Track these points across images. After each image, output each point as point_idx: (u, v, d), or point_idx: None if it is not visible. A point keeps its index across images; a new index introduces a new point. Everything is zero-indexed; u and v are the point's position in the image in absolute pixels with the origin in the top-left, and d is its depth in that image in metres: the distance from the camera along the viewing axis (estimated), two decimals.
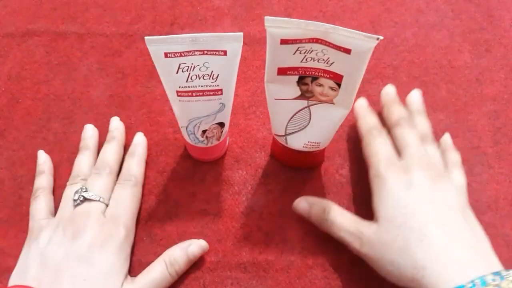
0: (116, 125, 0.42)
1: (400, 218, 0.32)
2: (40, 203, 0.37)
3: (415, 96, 0.42)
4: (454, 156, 0.39)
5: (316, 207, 0.37)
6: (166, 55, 0.30)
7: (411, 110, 0.41)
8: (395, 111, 0.39)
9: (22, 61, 0.47)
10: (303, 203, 0.37)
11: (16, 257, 0.35)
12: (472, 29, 0.49)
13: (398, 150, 0.37)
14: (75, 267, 0.32)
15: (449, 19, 0.50)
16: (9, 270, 0.34)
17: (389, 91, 0.42)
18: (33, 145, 0.42)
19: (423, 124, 0.39)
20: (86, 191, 0.36)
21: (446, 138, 0.41)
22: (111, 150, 0.40)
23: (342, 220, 0.35)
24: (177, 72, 0.31)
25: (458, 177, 0.37)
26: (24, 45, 0.48)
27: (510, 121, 0.44)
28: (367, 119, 0.40)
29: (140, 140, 0.41)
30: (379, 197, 0.34)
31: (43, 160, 0.41)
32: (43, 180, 0.39)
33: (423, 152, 0.36)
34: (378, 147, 0.37)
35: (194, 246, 0.36)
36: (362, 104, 0.42)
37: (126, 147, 0.42)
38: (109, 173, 0.38)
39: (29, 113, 0.44)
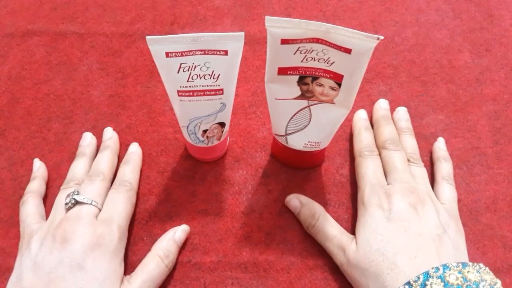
0: (109, 135, 0.42)
1: (376, 244, 0.33)
2: (30, 207, 0.37)
3: (401, 113, 0.43)
4: (445, 168, 0.40)
5: (306, 209, 0.37)
6: (167, 54, 0.30)
7: (397, 128, 0.41)
8: (383, 132, 0.40)
9: (22, 61, 0.47)
10: (294, 201, 0.38)
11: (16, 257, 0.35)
12: (473, 29, 0.49)
13: (386, 172, 0.38)
14: (69, 274, 0.31)
15: (449, 19, 0.50)
16: (9, 270, 0.34)
17: (379, 107, 0.43)
18: (33, 145, 0.42)
19: (410, 143, 0.40)
20: (78, 194, 0.35)
21: (440, 144, 0.42)
22: (105, 158, 0.39)
23: (328, 230, 0.36)
24: (178, 72, 0.31)
25: (447, 191, 0.38)
26: (24, 45, 0.48)
27: (510, 122, 0.44)
28: (361, 137, 0.40)
29: (135, 149, 0.41)
30: (362, 222, 0.35)
31: (37, 167, 0.41)
32: (33, 184, 0.39)
33: (407, 177, 0.36)
34: (365, 171, 0.38)
35: (180, 232, 0.37)
36: (360, 117, 0.42)
37: (120, 154, 0.42)
38: (102, 179, 0.37)
39: (29, 113, 0.44)
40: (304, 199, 0.38)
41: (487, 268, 0.30)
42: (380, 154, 0.39)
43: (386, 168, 0.38)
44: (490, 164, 0.42)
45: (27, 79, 0.46)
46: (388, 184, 0.36)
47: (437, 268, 0.30)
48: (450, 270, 0.30)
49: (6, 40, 0.48)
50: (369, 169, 0.38)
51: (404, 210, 0.34)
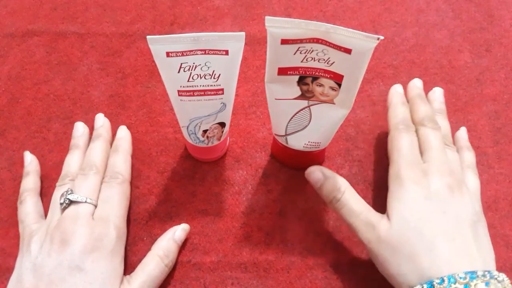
0: (101, 122, 0.41)
1: (414, 222, 0.31)
2: (28, 207, 0.37)
3: (438, 94, 0.41)
4: (469, 157, 0.38)
5: (330, 183, 0.35)
6: (167, 54, 0.30)
7: (432, 109, 0.40)
8: (420, 109, 0.38)
9: (22, 61, 0.47)
10: (317, 174, 0.36)
11: (17, 257, 0.35)
12: (473, 29, 0.49)
13: (421, 150, 0.36)
14: (69, 276, 0.31)
15: (449, 19, 0.50)
16: (9, 270, 0.34)
17: (414, 85, 0.41)
18: (33, 145, 0.42)
19: (444, 125, 0.38)
20: (71, 193, 0.35)
21: (462, 133, 0.41)
22: (97, 149, 0.38)
23: (355, 205, 0.34)
24: (178, 72, 0.31)
25: (472, 180, 0.37)
26: (24, 45, 0.48)
27: (510, 121, 0.44)
28: (398, 111, 0.38)
29: (123, 134, 0.40)
30: (397, 197, 0.33)
31: (29, 161, 0.40)
32: (29, 182, 0.38)
33: (444, 157, 0.35)
34: (402, 144, 0.35)
35: (180, 232, 0.37)
36: (397, 91, 0.40)
37: None
38: (95, 173, 0.36)
39: (29, 113, 0.44)
40: (328, 172, 0.36)
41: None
42: (417, 132, 0.37)
43: (422, 145, 0.36)
44: (491, 163, 0.42)
45: (27, 79, 0.46)
46: (424, 163, 0.34)
47: (464, 277, 0.29)
48: (476, 278, 0.28)
49: (6, 40, 0.48)
50: (404, 144, 0.35)
51: (442, 191, 0.32)
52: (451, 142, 0.38)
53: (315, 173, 0.36)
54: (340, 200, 0.35)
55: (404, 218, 0.32)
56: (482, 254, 0.31)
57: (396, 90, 0.40)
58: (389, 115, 0.39)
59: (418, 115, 0.38)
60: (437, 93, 0.41)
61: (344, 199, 0.34)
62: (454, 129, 0.43)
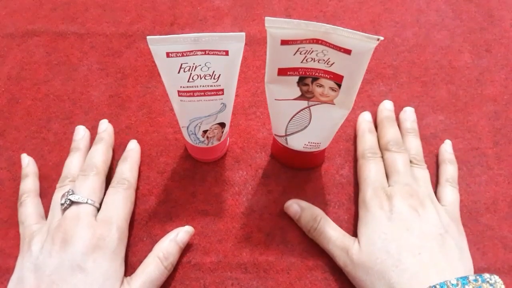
0: (104, 127, 0.42)
1: (380, 242, 0.33)
2: (28, 208, 0.37)
3: (408, 114, 0.43)
4: (450, 170, 0.40)
5: (307, 213, 0.37)
6: (168, 54, 0.30)
7: (402, 129, 0.41)
8: (386, 133, 0.40)
9: (22, 61, 0.47)
10: (294, 206, 0.38)
11: (17, 257, 0.35)
12: (473, 29, 0.49)
13: (387, 174, 0.38)
14: (70, 276, 0.31)
15: (449, 19, 0.50)
16: (9, 271, 0.34)
17: (384, 108, 0.43)
18: (33, 146, 0.42)
19: (414, 145, 0.40)
20: (72, 193, 0.35)
21: (446, 146, 0.42)
22: (98, 151, 0.39)
23: (331, 232, 0.36)
24: (178, 72, 0.31)
25: (449, 194, 0.38)
26: (24, 45, 0.48)
27: (510, 122, 0.44)
28: (365, 139, 0.40)
29: (133, 147, 0.41)
30: (364, 222, 0.35)
31: (27, 163, 0.40)
32: (28, 183, 0.39)
33: (408, 179, 0.37)
34: (367, 173, 0.38)
35: (182, 234, 0.37)
36: (364, 119, 0.42)
37: (119, 153, 0.42)
38: (96, 173, 0.37)
39: (29, 113, 0.44)
40: (304, 203, 0.38)
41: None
42: (382, 156, 0.39)
43: (388, 170, 0.38)
44: (490, 165, 0.42)
45: (27, 79, 0.46)
46: (389, 186, 0.37)
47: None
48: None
49: (6, 40, 0.48)
50: (371, 172, 0.38)
51: (405, 212, 0.34)
52: (421, 160, 0.39)
53: (292, 206, 0.38)
54: (317, 229, 0.37)
55: (371, 240, 0.34)
56: (451, 264, 0.32)
57: (364, 118, 0.42)
58: (357, 143, 0.41)
59: (384, 139, 0.40)
60: (408, 112, 0.43)
61: (321, 228, 0.37)
62: (453, 130, 0.43)
